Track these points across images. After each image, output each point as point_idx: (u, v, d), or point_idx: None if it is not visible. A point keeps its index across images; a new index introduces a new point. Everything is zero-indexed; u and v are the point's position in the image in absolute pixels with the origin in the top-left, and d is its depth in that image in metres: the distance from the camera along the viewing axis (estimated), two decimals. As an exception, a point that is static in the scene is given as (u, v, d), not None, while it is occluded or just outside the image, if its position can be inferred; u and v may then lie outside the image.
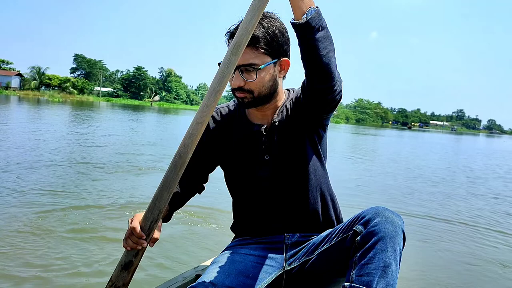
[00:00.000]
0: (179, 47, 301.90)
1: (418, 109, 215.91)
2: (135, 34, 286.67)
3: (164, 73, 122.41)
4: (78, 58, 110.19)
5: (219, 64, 1.51)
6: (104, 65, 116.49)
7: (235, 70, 1.52)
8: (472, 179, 11.05)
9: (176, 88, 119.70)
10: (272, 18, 1.56)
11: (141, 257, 1.45)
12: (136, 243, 1.39)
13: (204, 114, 1.31)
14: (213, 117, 1.77)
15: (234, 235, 1.84)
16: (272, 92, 1.61)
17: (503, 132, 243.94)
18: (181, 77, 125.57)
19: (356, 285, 1.28)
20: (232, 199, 1.82)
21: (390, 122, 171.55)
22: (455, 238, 4.82)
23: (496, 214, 6.60)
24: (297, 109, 1.64)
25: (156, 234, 1.45)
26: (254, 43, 1.49)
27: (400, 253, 1.30)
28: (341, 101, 1.57)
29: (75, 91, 78.92)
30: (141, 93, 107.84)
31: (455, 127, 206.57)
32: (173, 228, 3.98)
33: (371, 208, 1.38)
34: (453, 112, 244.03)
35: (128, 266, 1.42)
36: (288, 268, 1.60)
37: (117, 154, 9.40)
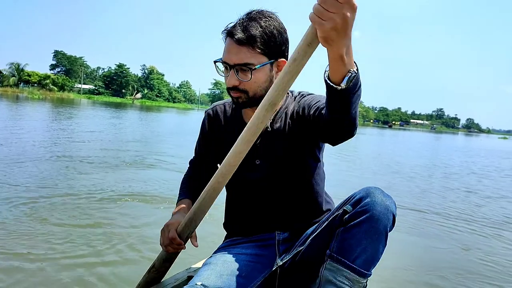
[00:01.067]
0: (162, 44, 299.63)
1: (399, 108, 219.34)
2: (116, 31, 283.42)
3: (146, 71, 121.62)
4: (58, 54, 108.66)
5: (215, 62, 1.57)
6: (85, 62, 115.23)
7: (230, 69, 1.52)
8: (447, 175, 11.49)
9: (158, 86, 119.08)
10: (270, 17, 1.53)
11: (179, 252, 1.69)
12: (177, 249, 1.61)
13: (236, 160, 1.39)
14: (209, 114, 1.82)
15: (225, 234, 1.87)
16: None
17: (481, 130, 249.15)
18: (163, 75, 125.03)
19: (335, 255, 1.32)
20: (226, 197, 1.85)
21: (371, 121, 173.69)
22: (427, 225, 5.16)
23: (468, 204, 6.98)
24: (300, 124, 1.60)
25: (194, 234, 1.64)
26: (250, 42, 1.47)
27: (386, 234, 1.31)
28: None
29: (55, 88, 77.76)
30: (123, 91, 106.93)
31: (434, 125, 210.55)
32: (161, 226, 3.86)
33: (363, 188, 1.37)
34: (433, 111, 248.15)
35: (169, 260, 1.69)
36: (281, 263, 1.60)
37: (104, 150, 9.49)
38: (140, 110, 47.94)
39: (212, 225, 3.74)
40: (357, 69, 1.15)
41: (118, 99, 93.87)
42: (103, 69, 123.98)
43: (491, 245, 4.61)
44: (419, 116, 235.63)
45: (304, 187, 1.66)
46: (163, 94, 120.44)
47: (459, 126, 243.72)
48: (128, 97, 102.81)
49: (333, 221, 1.41)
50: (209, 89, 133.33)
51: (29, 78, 78.07)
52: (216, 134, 1.77)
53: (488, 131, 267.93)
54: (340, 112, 1.23)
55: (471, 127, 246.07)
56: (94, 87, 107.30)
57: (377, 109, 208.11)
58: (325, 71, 1.19)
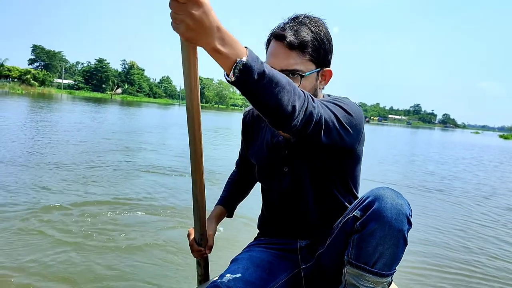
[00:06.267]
0: (142, 39, 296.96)
1: (378, 104, 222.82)
2: (95, 25, 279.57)
3: (126, 66, 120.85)
4: (36, 49, 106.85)
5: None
6: (64, 57, 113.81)
7: None
8: (411, 161, 13.12)
9: (138, 81, 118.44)
10: (319, 23, 1.44)
11: (207, 257, 1.77)
12: (200, 255, 1.69)
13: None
14: (244, 117, 1.77)
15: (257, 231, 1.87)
16: None
17: (456, 126, 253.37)
18: (143, 70, 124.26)
19: (354, 262, 1.29)
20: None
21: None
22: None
23: (424, 179, 8.47)
24: None
25: (210, 242, 1.69)
26: (301, 47, 1.38)
27: (403, 237, 1.24)
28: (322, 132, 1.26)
29: (36, 83, 77.10)
30: (103, 86, 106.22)
31: (410, 121, 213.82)
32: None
33: (372, 190, 1.31)
34: (410, 107, 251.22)
35: (199, 264, 1.79)
36: (304, 266, 1.59)
37: (103, 139, 10.71)
38: (125, 106, 48.32)
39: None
40: (248, 56, 1.02)
41: (98, 94, 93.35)
42: (83, 64, 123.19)
43: (434, 203, 6.12)
44: (396, 112, 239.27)
45: (331, 196, 1.57)
46: (144, 90, 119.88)
47: (436, 122, 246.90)
48: (108, 92, 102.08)
49: (345, 225, 1.38)
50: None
51: (9, 73, 77.12)
52: (254, 133, 1.73)
53: (464, 126, 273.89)
54: (255, 104, 1.09)
55: (447, 122, 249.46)
56: (73, 82, 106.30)
57: (356, 104, 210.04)
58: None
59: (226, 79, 1.06)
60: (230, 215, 1.88)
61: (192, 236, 1.66)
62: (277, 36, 1.41)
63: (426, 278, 3.35)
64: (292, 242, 1.65)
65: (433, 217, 5.37)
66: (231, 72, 1.02)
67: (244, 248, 1.74)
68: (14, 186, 4.78)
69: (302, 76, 1.39)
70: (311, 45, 1.39)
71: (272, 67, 1.31)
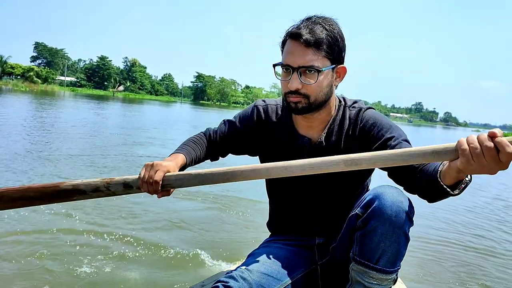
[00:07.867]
0: (144, 37, 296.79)
1: (379, 102, 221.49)
2: (97, 22, 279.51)
3: (128, 63, 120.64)
4: (39, 46, 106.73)
5: (274, 66, 1.51)
6: (66, 54, 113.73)
7: (293, 72, 1.44)
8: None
9: (140, 78, 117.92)
10: (332, 22, 1.49)
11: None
12: (148, 191, 1.40)
13: (281, 174, 1.30)
14: (258, 110, 1.72)
15: (269, 232, 1.88)
16: (326, 100, 1.53)
17: (458, 124, 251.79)
18: (145, 67, 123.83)
19: (358, 258, 1.33)
20: (269, 199, 1.83)
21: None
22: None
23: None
24: (360, 147, 1.51)
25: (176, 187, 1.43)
26: (317, 44, 1.42)
27: (405, 233, 1.28)
28: None
29: (39, 81, 77.18)
30: (105, 83, 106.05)
31: (412, 119, 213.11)
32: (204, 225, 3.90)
33: (373, 189, 1.35)
34: (412, 105, 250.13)
35: (128, 189, 1.44)
36: (320, 262, 1.63)
37: (111, 134, 11.13)
38: (128, 103, 48.32)
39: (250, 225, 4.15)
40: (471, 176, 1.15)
41: (101, 92, 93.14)
42: (85, 61, 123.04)
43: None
44: (398, 110, 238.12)
45: (350, 198, 1.62)
46: (146, 87, 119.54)
47: (437, 120, 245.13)
48: (111, 89, 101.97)
49: (349, 222, 1.42)
50: (191, 82, 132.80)
51: (13, 71, 77.06)
52: (264, 133, 1.71)
53: (465, 125, 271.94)
54: (439, 200, 1.28)
55: (449, 121, 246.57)
56: (76, 80, 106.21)
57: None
58: (437, 171, 1.20)
59: (446, 190, 1.22)
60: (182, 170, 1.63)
61: (163, 172, 1.40)
62: (293, 35, 1.45)
63: (412, 244, 3.74)
64: (309, 239, 1.69)
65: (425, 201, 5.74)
66: (460, 187, 1.20)
67: (261, 244, 1.76)
68: (34, 176, 5.13)
69: (319, 72, 1.43)
70: (326, 42, 1.44)
71: (289, 65, 1.45)
